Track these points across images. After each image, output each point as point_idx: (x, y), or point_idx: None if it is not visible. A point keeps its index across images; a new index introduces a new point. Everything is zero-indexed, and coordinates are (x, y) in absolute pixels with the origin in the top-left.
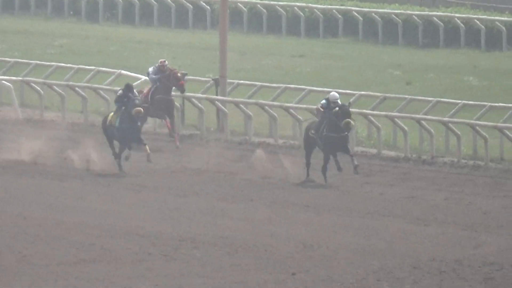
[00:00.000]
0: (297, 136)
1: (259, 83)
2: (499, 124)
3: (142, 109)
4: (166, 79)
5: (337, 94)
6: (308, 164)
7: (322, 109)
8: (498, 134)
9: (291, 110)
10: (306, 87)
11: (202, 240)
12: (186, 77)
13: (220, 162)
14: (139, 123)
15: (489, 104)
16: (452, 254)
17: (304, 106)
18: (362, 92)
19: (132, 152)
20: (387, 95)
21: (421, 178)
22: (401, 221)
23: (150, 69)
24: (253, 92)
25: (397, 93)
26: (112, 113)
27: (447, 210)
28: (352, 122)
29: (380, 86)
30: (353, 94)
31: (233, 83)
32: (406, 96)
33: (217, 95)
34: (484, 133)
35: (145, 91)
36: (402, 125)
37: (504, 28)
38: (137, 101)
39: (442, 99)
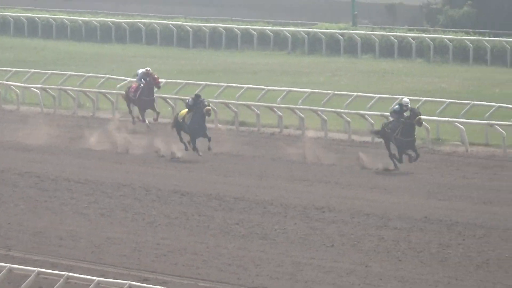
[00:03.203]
0: None
1: None
2: None
3: (211, 108)
4: (149, 82)
5: (408, 100)
6: (391, 155)
7: (396, 114)
8: None
9: None
10: None
11: None
12: None
13: None
14: (205, 124)
15: None
16: None
17: None
18: None
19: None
20: None
21: None
22: None
23: (139, 71)
24: None
25: None
26: (183, 111)
27: None
28: (422, 119)
29: None
30: None
31: None
32: None
33: None
34: None
35: (133, 85)
36: None
37: None
38: (206, 102)
39: None
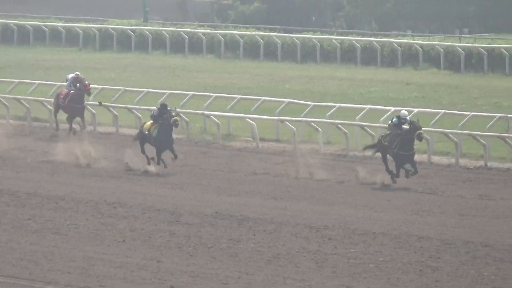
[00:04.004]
0: None
1: None
2: None
3: (178, 119)
4: (78, 89)
5: (406, 112)
6: (388, 170)
7: (394, 126)
8: None
9: None
10: None
11: None
12: None
13: None
14: (173, 136)
15: None
16: None
17: None
18: None
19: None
20: None
21: None
22: None
23: (68, 76)
24: None
25: None
26: (148, 123)
27: None
28: (423, 133)
29: None
30: None
31: None
32: None
33: None
34: None
35: (63, 92)
36: None
37: None
38: (173, 113)
39: None
